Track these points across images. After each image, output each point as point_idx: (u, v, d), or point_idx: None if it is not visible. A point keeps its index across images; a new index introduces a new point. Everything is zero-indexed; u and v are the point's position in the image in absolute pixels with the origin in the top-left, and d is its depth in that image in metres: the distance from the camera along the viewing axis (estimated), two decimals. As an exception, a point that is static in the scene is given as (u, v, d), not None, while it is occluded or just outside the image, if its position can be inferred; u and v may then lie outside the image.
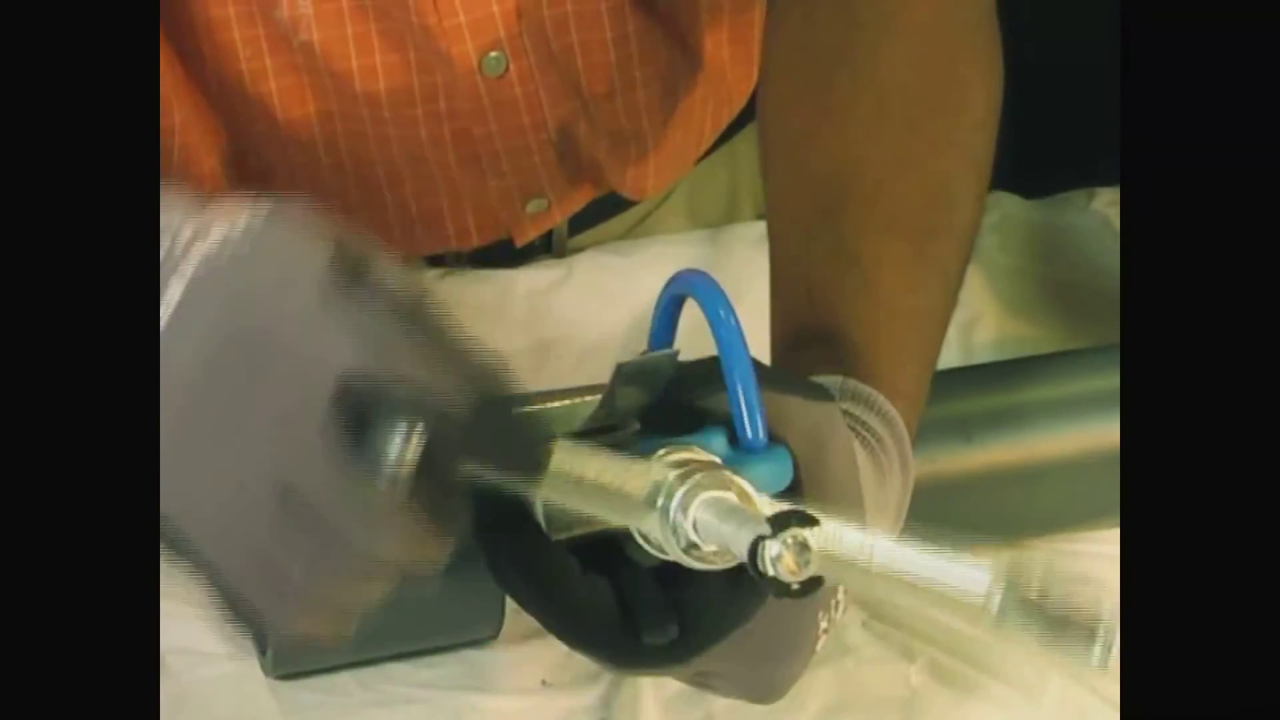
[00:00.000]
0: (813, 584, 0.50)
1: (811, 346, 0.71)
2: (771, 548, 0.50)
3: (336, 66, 0.87)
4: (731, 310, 0.60)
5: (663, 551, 0.56)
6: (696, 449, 0.58)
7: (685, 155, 1.00)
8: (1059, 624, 0.51)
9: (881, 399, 0.68)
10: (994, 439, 0.78)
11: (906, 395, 0.70)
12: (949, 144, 0.76)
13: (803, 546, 0.50)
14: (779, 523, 0.50)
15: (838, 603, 0.64)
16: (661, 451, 0.57)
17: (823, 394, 0.65)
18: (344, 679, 0.72)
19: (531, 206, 0.96)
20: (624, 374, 0.60)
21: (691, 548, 0.55)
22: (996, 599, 0.51)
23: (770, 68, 0.82)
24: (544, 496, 0.57)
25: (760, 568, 0.50)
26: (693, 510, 0.53)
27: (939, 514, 0.77)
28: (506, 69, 0.88)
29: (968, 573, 0.52)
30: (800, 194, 0.77)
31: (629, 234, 1.04)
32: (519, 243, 0.97)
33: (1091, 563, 0.80)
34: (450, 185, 0.93)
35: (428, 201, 0.94)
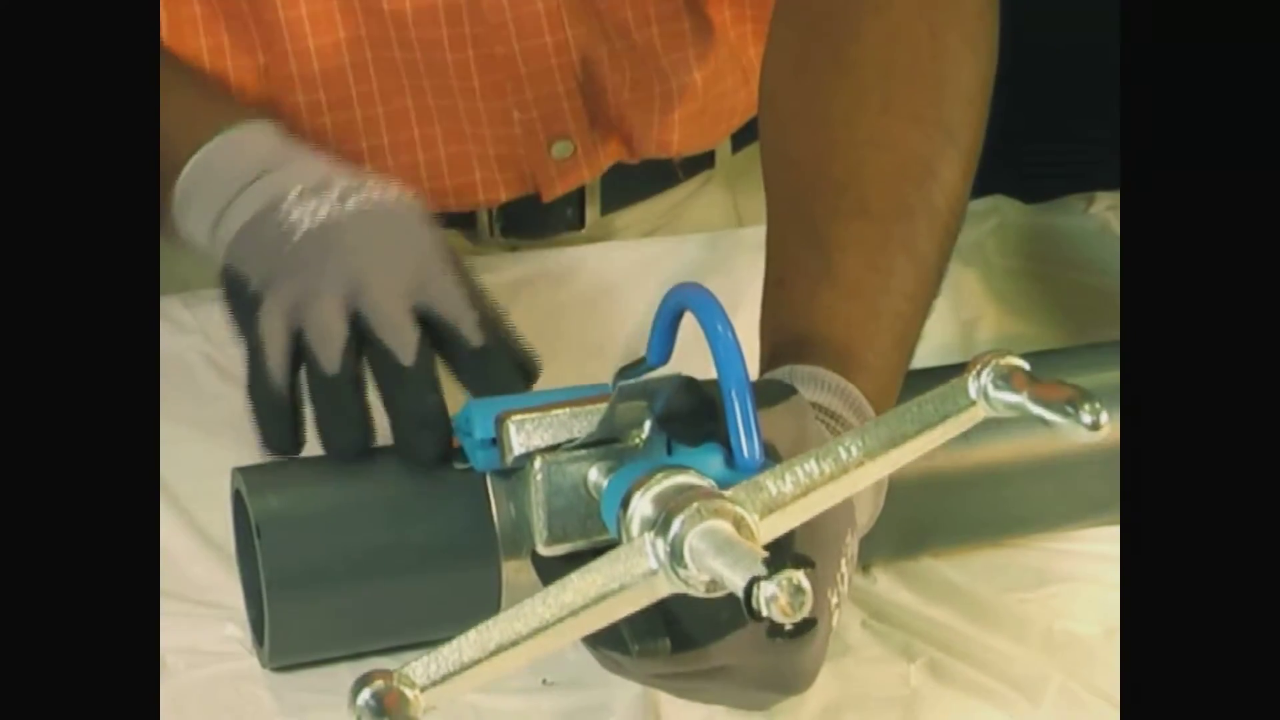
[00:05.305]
0: (806, 625, 0.50)
1: (780, 339, 0.71)
2: (766, 589, 0.50)
3: None
4: (729, 325, 0.60)
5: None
6: (692, 472, 0.58)
7: (713, 124, 1.00)
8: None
9: (831, 375, 0.69)
10: (991, 435, 0.77)
11: (871, 369, 0.70)
12: (927, 120, 0.76)
13: (797, 589, 0.50)
14: (774, 563, 0.51)
15: (843, 575, 0.64)
16: (660, 475, 0.57)
17: (789, 391, 0.66)
18: (343, 678, 0.72)
19: (556, 150, 0.96)
20: (624, 393, 0.62)
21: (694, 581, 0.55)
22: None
23: (767, 54, 0.83)
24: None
25: (755, 608, 0.50)
26: (689, 542, 0.54)
27: (936, 512, 0.78)
28: None
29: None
30: (783, 184, 0.78)
31: (665, 216, 1.03)
32: (546, 197, 0.97)
33: (1091, 562, 0.80)
34: (475, 122, 0.94)
35: (455, 146, 0.95)
